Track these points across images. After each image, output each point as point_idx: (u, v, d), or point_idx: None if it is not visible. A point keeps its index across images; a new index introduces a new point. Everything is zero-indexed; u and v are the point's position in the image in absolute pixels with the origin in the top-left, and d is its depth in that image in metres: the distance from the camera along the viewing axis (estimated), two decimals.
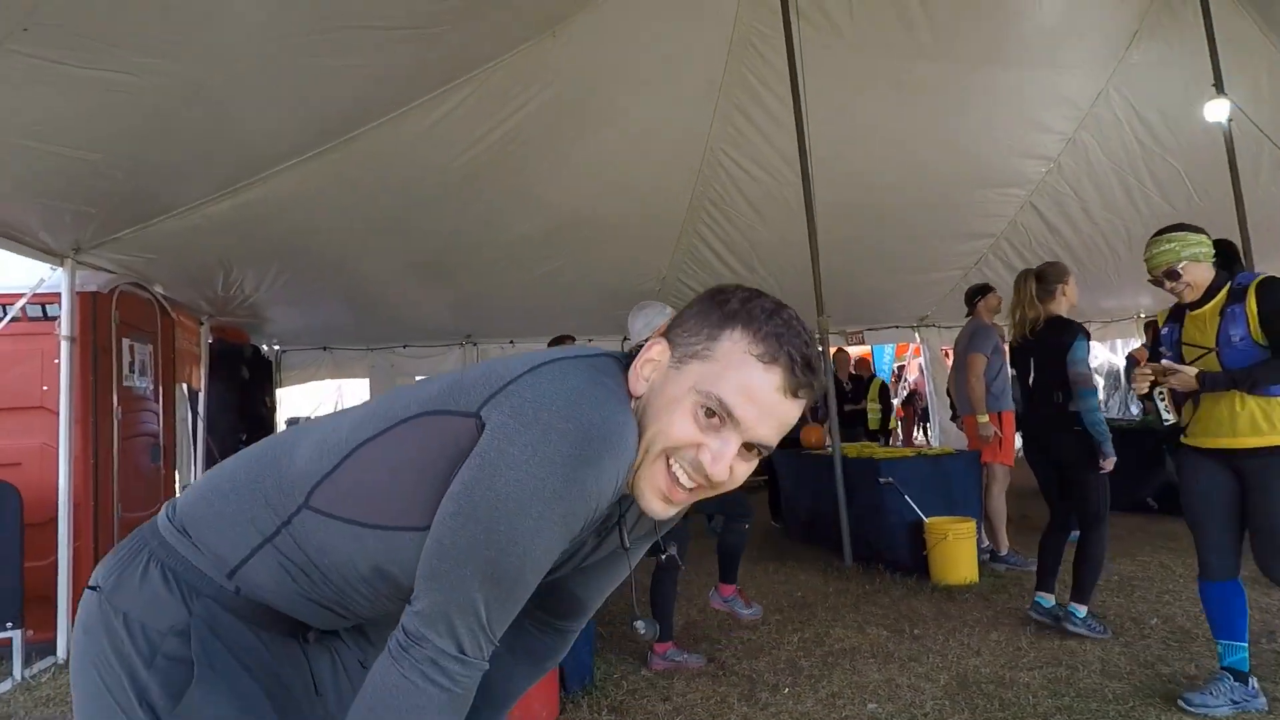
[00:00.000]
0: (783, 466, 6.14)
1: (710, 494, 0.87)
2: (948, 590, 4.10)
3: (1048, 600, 3.40)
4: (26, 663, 3.61)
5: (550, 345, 6.15)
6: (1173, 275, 2.45)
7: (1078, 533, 4.19)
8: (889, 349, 12.55)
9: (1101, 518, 3.23)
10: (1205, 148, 5.69)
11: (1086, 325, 3.55)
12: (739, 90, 5.81)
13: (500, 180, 5.33)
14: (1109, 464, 3.25)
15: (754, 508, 3.57)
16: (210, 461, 5.76)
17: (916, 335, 9.82)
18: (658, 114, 5.57)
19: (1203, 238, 2.48)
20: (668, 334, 0.88)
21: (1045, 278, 3.53)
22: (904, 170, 6.58)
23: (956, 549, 4.22)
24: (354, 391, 8.90)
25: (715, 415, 0.81)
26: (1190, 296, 2.47)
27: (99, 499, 4.13)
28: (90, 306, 4.14)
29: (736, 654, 3.33)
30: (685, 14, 4.99)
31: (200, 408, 5.80)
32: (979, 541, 4.50)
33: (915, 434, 12.71)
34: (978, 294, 5.02)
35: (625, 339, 8.81)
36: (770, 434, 0.83)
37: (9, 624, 3.51)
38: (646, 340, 3.07)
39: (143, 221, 4.06)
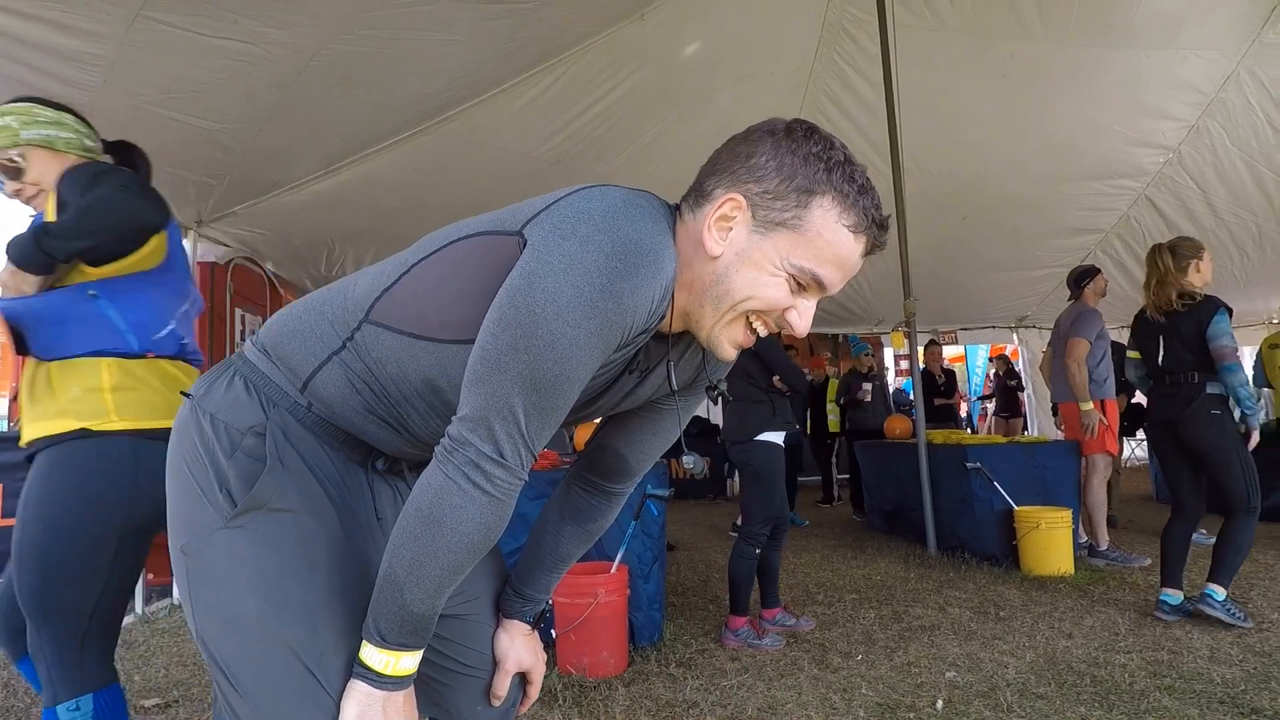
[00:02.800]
0: (865, 457, 5.95)
1: (778, 331, 0.91)
2: (1039, 580, 3.87)
3: (1175, 597, 3.12)
4: (147, 601, 3.93)
5: None
6: None
7: (1201, 534, 3.87)
8: (983, 350, 11.95)
9: (1253, 504, 2.96)
10: None
11: None
12: (830, 77, 5.72)
13: (586, 166, 5.43)
14: (1254, 439, 3.07)
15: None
16: None
17: (1015, 336, 9.33)
18: (745, 101, 5.54)
19: None
20: (740, 188, 0.86)
21: (1179, 252, 3.29)
22: (1003, 162, 6.29)
23: (1050, 539, 3.97)
24: None
25: (799, 283, 0.85)
26: None
27: None
28: (209, 275, 4.52)
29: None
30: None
31: None
32: (1075, 535, 4.22)
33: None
34: (1085, 276, 4.74)
35: None
36: (839, 282, 0.88)
37: None
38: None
39: (255, 197, 4.38)
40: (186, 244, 4.31)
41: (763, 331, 0.88)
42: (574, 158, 5.30)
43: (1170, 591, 3.13)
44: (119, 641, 3.49)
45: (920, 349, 5.78)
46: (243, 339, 4.84)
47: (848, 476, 6.99)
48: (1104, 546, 4.31)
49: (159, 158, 3.67)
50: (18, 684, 2.83)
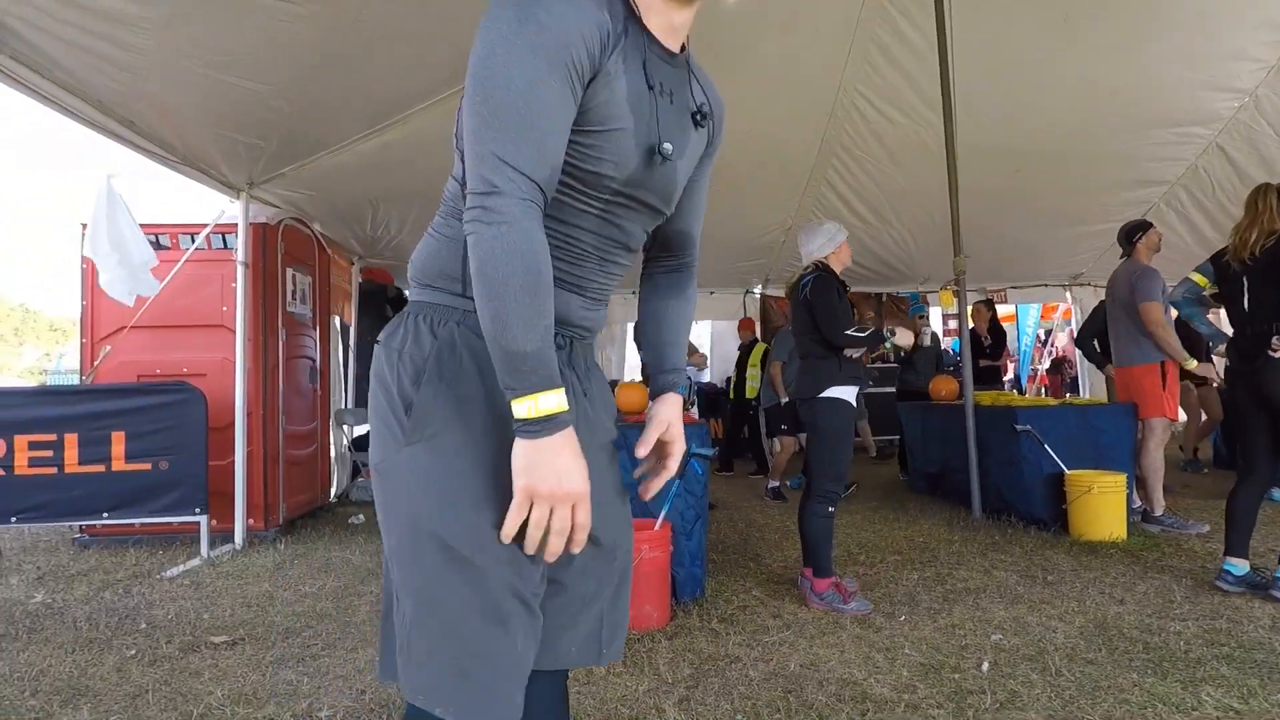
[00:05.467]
0: (909, 418, 5.88)
1: None
2: (1089, 545, 3.80)
3: (1240, 567, 2.98)
4: (211, 545, 4.15)
5: None
6: None
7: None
8: (1034, 309, 11.60)
9: None
10: None
11: None
12: (878, 23, 5.47)
13: None
14: None
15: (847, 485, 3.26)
16: (359, 391, 6.30)
17: (1068, 295, 9.02)
18: (790, 53, 5.35)
19: None
20: None
21: None
22: (1060, 109, 5.97)
23: (1101, 503, 3.89)
24: None
25: None
26: None
27: (267, 410, 4.63)
28: (261, 237, 4.62)
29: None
30: None
31: (351, 340, 6.33)
32: (1129, 501, 4.12)
33: None
34: (1137, 231, 4.52)
35: (748, 291, 8.78)
36: None
37: (197, 509, 4.04)
38: (826, 255, 2.96)
39: (303, 158, 4.43)
40: (238, 205, 4.43)
41: None
42: None
43: (1235, 561, 2.99)
44: (189, 582, 3.68)
45: (969, 308, 5.63)
46: (293, 298, 4.97)
47: (897, 438, 6.92)
48: (1159, 512, 4.21)
49: (212, 121, 3.79)
50: (100, 617, 3.03)
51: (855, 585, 3.16)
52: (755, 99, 5.58)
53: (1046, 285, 8.95)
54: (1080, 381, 9.74)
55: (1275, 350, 2.89)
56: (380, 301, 6.76)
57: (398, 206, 5.56)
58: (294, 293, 4.97)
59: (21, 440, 3.89)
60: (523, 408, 0.86)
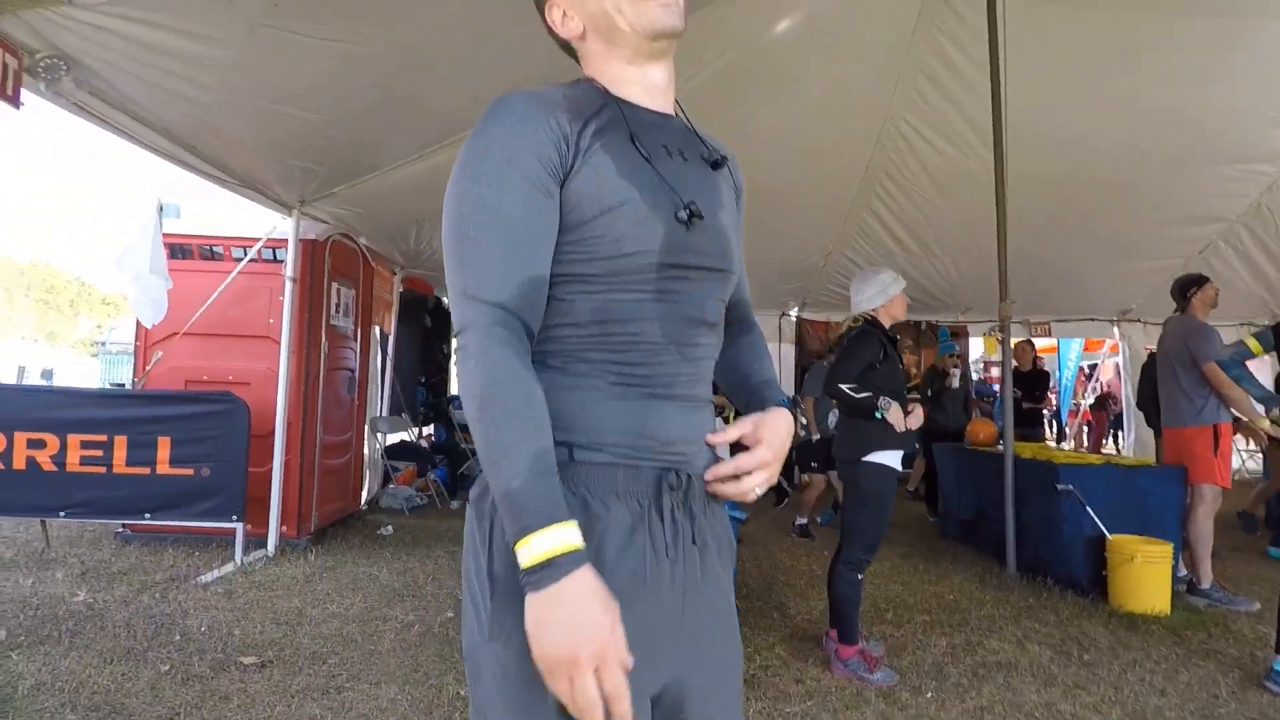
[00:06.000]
0: (943, 460, 5.77)
1: None
2: (1129, 618, 3.66)
3: None
4: (245, 551, 4.25)
5: None
6: None
7: None
8: (1076, 344, 11.26)
9: None
10: None
11: None
12: (928, 52, 5.37)
13: None
14: None
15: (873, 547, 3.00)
16: (394, 398, 6.40)
17: (1115, 331, 8.75)
18: (836, 80, 5.28)
19: None
20: None
21: None
22: (1117, 142, 5.80)
23: (1145, 573, 3.76)
24: None
25: None
26: None
27: (306, 420, 4.73)
28: (309, 252, 4.71)
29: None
30: None
31: (389, 349, 6.43)
32: (1175, 571, 3.97)
33: (1105, 442, 11.41)
34: (1192, 285, 4.34)
35: (783, 314, 8.72)
36: None
37: (234, 517, 4.14)
38: (875, 308, 2.90)
39: (354, 179, 4.50)
40: (289, 222, 4.53)
41: None
42: None
43: None
44: (223, 590, 3.76)
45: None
46: (336, 311, 5.07)
47: (923, 477, 6.79)
48: (1206, 584, 4.03)
49: (270, 148, 3.88)
50: (137, 624, 3.13)
51: (881, 650, 3.11)
52: (799, 125, 5.53)
53: (1094, 320, 8.69)
54: (1125, 418, 9.45)
55: None
56: (420, 311, 6.86)
57: (441, 224, 5.63)
58: (337, 306, 5.06)
59: (75, 439, 4.03)
60: (522, 554, 0.77)
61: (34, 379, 16.53)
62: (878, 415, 2.91)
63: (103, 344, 25.17)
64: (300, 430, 4.68)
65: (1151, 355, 6.75)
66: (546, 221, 0.85)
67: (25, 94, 2.56)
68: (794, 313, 8.89)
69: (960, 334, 9.15)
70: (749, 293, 1.18)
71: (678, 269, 0.91)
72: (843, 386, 2.97)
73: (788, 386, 8.32)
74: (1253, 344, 3.26)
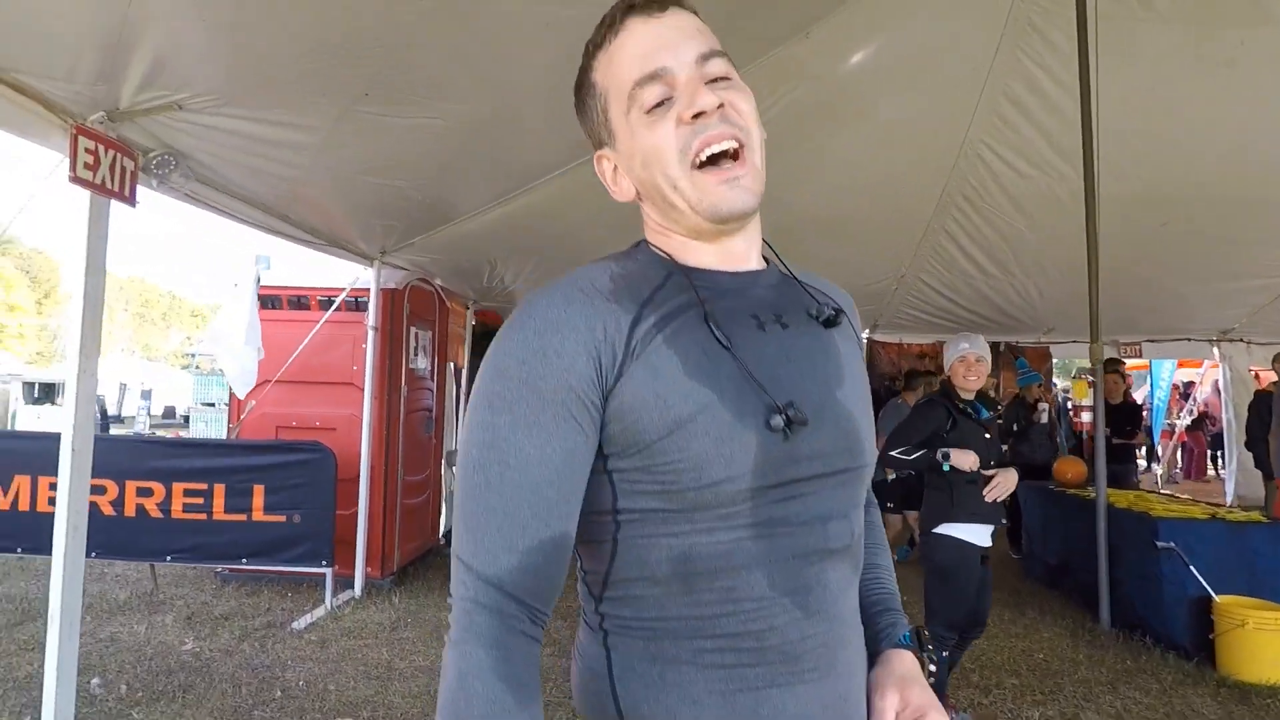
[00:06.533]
0: (1029, 499, 5.54)
1: (737, 133, 0.74)
2: (1240, 690, 3.44)
3: None
4: (334, 593, 4.43)
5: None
6: None
7: None
8: (1168, 364, 10.60)
9: None
10: None
11: None
12: (1010, 77, 5.19)
13: None
14: None
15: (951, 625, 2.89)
16: None
17: (1215, 351, 8.22)
18: (913, 107, 5.16)
19: None
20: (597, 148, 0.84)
21: None
22: (1217, 157, 5.48)
23: (1258, 641, 3.52)
24: None
25: (653, 105, 0.75)
26: None
27: (388, 464, 4.90)
28: (389, 301, 4.88)
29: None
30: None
31: (463, 382, 6.60)
32: None
33: (1206, 467, 10.73)
34: None
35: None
36: (685, 48, 0.75)
37: (323, 562, 4.33)
38: (946, 374, 2.76)
39: (431, 229, 4.64)
40: (370, 272, 4.70)
41: (714, 148, 0.73)
42: None
43: None
44: (316, 638, 3.92)
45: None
46: (415, 354, 5.24)
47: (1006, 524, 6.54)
48: None
49: (354, 211, 4.04)
50: (241, 677, 3.30)
51: None
52: (871, 153, 5.43)
53: (1190, 339, 8.20)
54: (1225, 440, 8.87)
55: None
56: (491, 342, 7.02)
57: (514, 262, 5.75)
58: (416, 349, 5.23)
59: (179, 487, 4.29)
60: None
61: (134, 396, 17.68)
62: (945, 468, 2.82)
63: (192, 355, 26.71)
64: (383, 474, 4.85)
65: (1260, 394, 6.34)
66: (572, 462, 0.69)
67: (139, 189, 2.74)
68: (865, 334, 8.70)
69: (1042, 355, 8.78)
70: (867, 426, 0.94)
71: (782, 488, 0.70)
72: (893, 453, 2.90)
73: None
74: None
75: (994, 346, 8.78)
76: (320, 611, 4.26)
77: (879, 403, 6.99)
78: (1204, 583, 3.79)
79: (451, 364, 6.26)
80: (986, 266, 7.09)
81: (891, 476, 5.52)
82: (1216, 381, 9.10)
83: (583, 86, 0.81)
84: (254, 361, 4.15)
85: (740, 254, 0.80)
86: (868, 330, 8.65)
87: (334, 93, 2.79)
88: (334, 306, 4.76)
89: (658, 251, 0.80)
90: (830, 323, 0.81)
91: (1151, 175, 5.61)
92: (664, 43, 0.75)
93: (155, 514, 4.23)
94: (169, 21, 2.22)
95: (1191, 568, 3.82)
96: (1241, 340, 7.99)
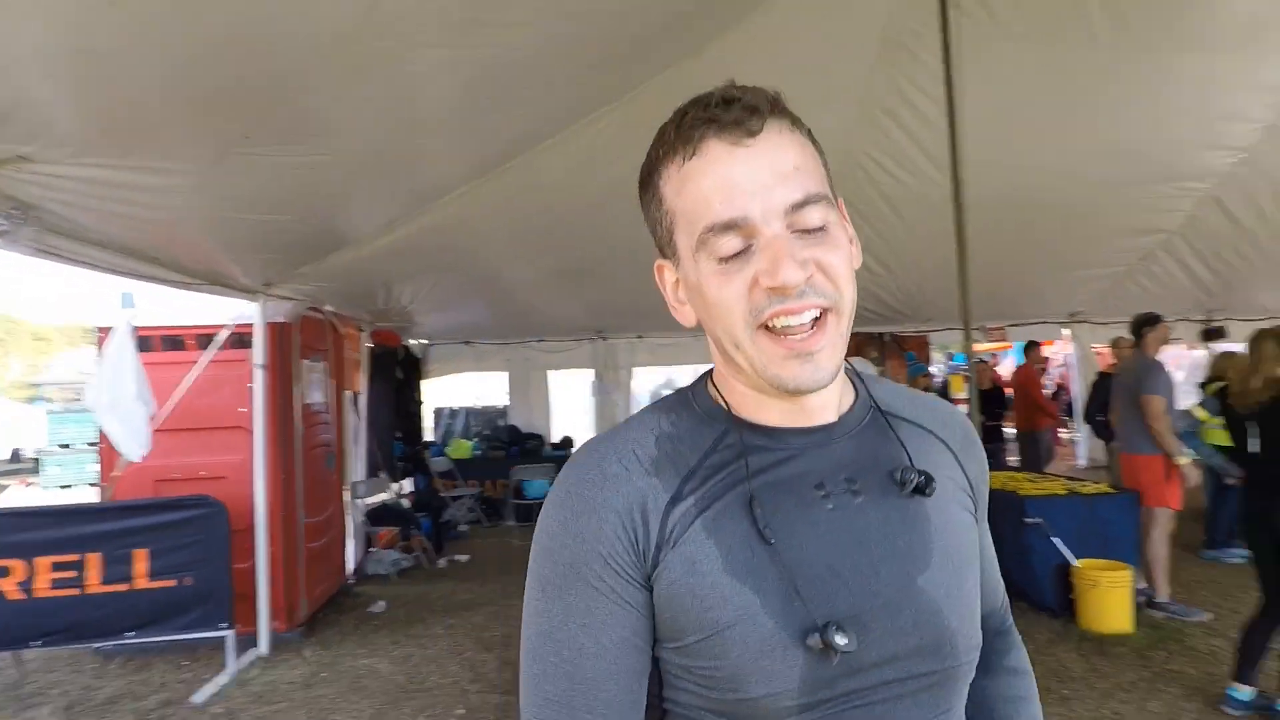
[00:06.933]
0: None
1: (823, 301, 0.64)
2: (1098, 641, 3.94)
3: (1244, 692, 3.12)
4: (237, 653, 4.13)
5: None
6: None
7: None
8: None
9: None
10: None
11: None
12: (886, 92, 5.55)
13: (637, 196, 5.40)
14: None
15: None
16: (370, 461, 6.28)
17: (1064, 331, 9.20)
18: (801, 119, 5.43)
19: None
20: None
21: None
22: (1065, 165, 6.11)
23: (1110, 598, 4.06)
24: (494, 383, 9.34)
25: (728, 256, 0.64)
26: None
27: (287, 508, 4.61)
28: (278, 335, 4.58)
29: None
30: (834, 22, 4.77)
31: (361, 409, 6.30)
32: (1135, 583, 4.26)
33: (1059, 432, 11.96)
34: (1146, 325, 4.63)
35: None
36: (775, 195, 0.62)
37: (222, 624, 4.02)
38: None
39: (319, 258, 4.38)
40: (255, 308, 4.38)
41: (785, 320, 0.63)
42: (630, 189, 5.21)
43: (1240, 687, 3.13)
44: (223, 710, 3.63)
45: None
46: (310, 389, 4.94)
47: None
48: (1162, 598, 4.36)
49: (231, 247, 3.75)
50: None
51: None
52: None
53: (1045, 323, 9.11)
54: (1074, 410, 9.89)
55: None
56: (390, 363, 6.74)
57: (412, 284, 5.55)
58: (310, 384, 4.93)
59: (43, 562, 3.85)
60: None
61: None
62: None
63: (37, 386, 23.90)
64: (282, 520, 4.56)
65: (1101, 375, 7.14)
66: (628, 650, 0.65)
67: None
68: None
69: (921, 342, 9.45)
70: (999, 594, 0.85)
71: (842, 699, 0.62)
72: None
73: None
74: (1201, 414, 3.49)
75: (880, 337, 9.38)
76: (224, 679, 3.96)
77: None
78: (1065, 551, 4.27)
79: (349, 392, 5.96)
80: (871, 265, 7.53)
81: None
82: (1068, 357, 10.15)
83: (648, 187, 0.70)
84: (145, 420, 3.73)
85: (814, 409, 0.70)
86: None
87: (209, 138, 2.58)
88: (215, 345, 4.41)
89: (717, 400, 0.72)
90: (921, 489, 0.68)
91: (1009, 180, 6.15)
92: (751, 185, 0.62)
93: (16, 595, 3.77)
94: (7, 74, 1.97)
95: (1055, 539, 4.29)
96: (1086, 322, 8.98)
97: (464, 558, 6.38)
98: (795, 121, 0.68)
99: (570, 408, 9.84)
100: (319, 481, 5.09)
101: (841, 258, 0.65)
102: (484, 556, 6.46)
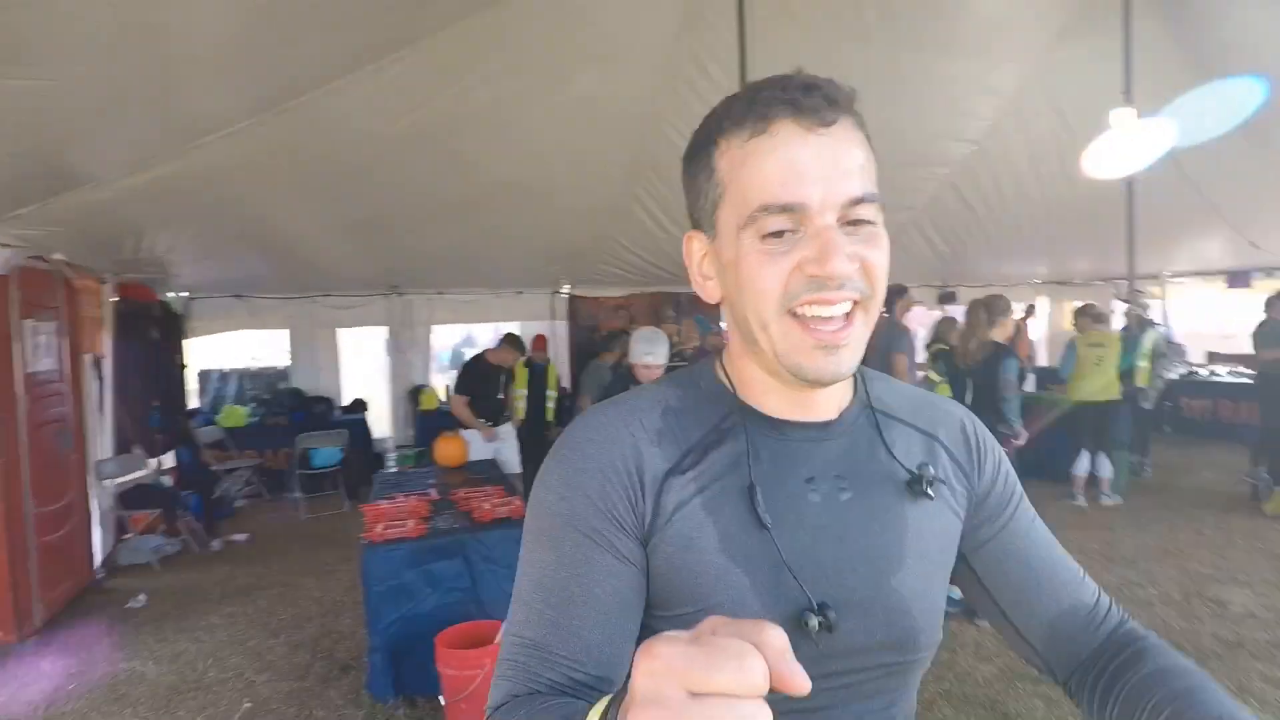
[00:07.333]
0: None
1: (857, 296, 0.65)
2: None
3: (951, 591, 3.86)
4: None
5: (503, 342, 6.21)
6: None
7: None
8: None
9: None
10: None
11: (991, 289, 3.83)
12: (686, 62, 5.77)
13: (439, 146, 5.12)
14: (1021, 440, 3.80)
15: None
16: (120, 435, 5.42)
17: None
18: (603, 88, 5.46)
19: None
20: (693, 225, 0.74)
21: (994, 308, 3.91)
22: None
23: None
24: (273, 343, 8.41)
25: (773, 233, 0.63)
26: None
27: (10, 497, 3.86)
28: None
29: None
30: None
31: (106, 375, 5.39)
32: None
33: None
34: (896, 295, 5.34)
35: (555, 291, 8.82)
36: (837, 186, 0.63)
37: None
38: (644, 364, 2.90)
39: (48, 196, 3.64)
40: None
41: (821, 310, 0.64)
42: (425, 140, 4.95)
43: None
44: None
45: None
46: (34, 354, 4.12)
47: None
48: None
49: None
50: None
51: None
52: (569, 123, 5.65)
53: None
54: None
55: (1007, 443, 3.68)
56: (143, 323, 5.82)
57: (167, 231, 4.80)
58: (35, 348, 4.12)
59: None
60: None
61: None
62: None
63: None
64: (3, 512, 3.81)
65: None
66: (620, 601, 0.65)
67: None
68: (566, 290, 9.05)
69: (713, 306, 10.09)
70: (1085, 588, 0.78)
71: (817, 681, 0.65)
72: None
73: (563, 364, 8.56)
74: (934, 375, 4.16)
75: (675, 297, 9.86)
76: None
77: (583, 362, 7.45)
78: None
79: (89, 355, 5.05)
80: (669, 228, 7.86)
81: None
82: None
83: (697, 158, 0.69)
84: None
85: (819, 403, 0.72)
86: (568, 286, 9.01)
87: None
88: None
89: (724, 380, 0.73)
90: (912, 486, 0.71)
91: None
92: (816, 172, 0.62)
93: None
94: None
95: None
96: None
97: (242, 537, 5.79)
98: (862, 123, 0.69)
99: (362, 368, 9.20)
100: (52, 463, 4.30)
101: (883, 259, 0.67)
102: (266, 534, 5.91)
